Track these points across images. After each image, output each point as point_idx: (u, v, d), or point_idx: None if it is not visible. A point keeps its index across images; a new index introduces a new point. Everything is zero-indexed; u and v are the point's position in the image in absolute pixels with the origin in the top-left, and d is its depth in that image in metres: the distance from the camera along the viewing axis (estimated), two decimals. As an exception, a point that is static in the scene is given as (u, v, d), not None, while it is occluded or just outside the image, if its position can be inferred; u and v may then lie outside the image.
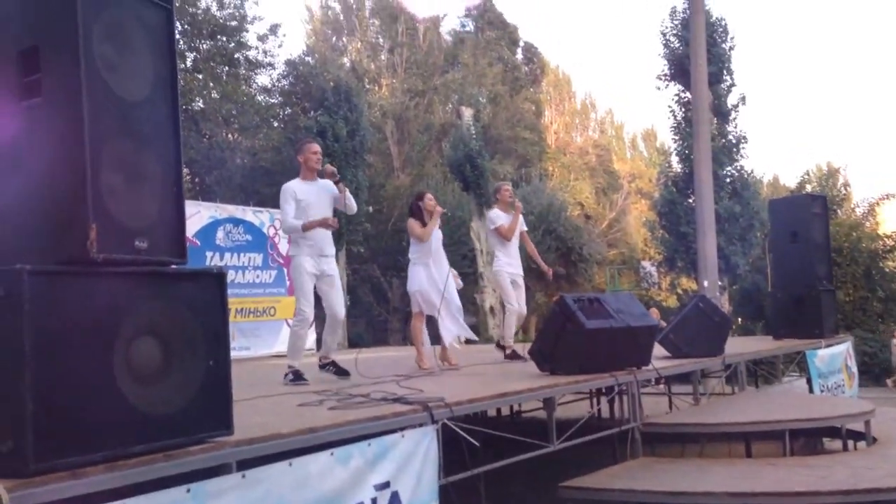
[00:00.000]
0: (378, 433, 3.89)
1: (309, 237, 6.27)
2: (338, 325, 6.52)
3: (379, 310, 23.29)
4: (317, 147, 6.51)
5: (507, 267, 8.19)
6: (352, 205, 6.54)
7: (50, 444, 2.54)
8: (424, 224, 7.41)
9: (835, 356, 9.94)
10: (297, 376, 6.17)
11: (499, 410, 8.79)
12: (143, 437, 2.85)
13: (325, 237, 6.40)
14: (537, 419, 7.25)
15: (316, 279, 6.32)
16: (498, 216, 8.25)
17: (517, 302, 8.11)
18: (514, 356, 7.97)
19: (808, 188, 20.31)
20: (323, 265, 6.34)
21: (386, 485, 3.75)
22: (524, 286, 8.42)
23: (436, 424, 4.22)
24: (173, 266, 3.19)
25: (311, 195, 6.32)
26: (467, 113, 24.34)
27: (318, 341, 7.86)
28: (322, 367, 6.52)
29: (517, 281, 8.23)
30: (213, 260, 11.50)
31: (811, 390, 9.06)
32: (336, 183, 6.41)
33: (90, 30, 2.86)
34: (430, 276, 7.38)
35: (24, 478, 2.47)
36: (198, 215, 11.46)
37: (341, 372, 6.42)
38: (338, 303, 6.38)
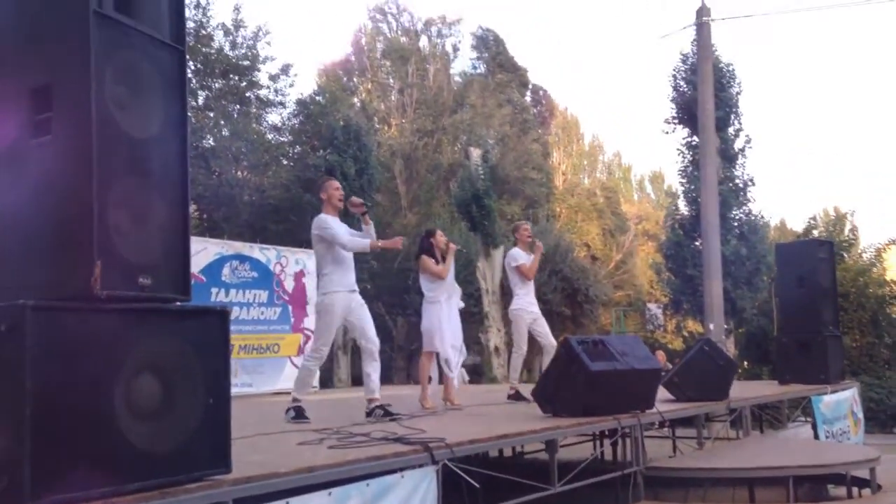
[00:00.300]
0: (378, 473, 3.88)
1: (346, 273, 6.24)
2: (376, 354, 6.28)
3: (383, 347, 23.20)
4: (338, 184, 6.53)
5: (528, 307, 8.23)
6: (373, 237, 6.50)
7: (47, 480, 2.54)
8: (437, 261, 7.46)
9: (840, 402, 9.87)
10: (298, 413, 6.14)
11: (501, 451, 8.73)
12: (141, 475, 2.85)
13: (352, 273, 6.37)
14: (539, 461, 7.20)
15: (347, 315, 6.26)
16: (520, 255, 8.31)
17: (545, 336, 8.14)
18: (517, 397, 7.95)
19: (815, 233, 20.28)
20: (354, 298, 6.29)
21: (384, 525, 3.73)
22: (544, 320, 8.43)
23: (436, 465, 4.21)
24: (177, 303, 3.22)
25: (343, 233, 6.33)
26: (475, 153, 24.48)
27: (322, 378, 7.83)
28: (369, 413, 6.17)
29: (538, 319, 8.25)
30: (218, 296, 11.53)
31: (816, 436, 8.97)
32: (363, 215, 6.42)
33: (103, 71, 2.92)
34: (447, 314, 7.43)
35: (19, 513, 2.47)
36: (204, 251, 11.52)
37: (392, 416, 6.05)
38: (372, 330, 6.30)
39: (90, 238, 2.80)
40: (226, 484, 3.14)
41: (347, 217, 6.79)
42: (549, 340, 8.19)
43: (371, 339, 6.25)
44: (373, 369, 6.25)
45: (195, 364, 3.14)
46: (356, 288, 6.40)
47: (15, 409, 2.51)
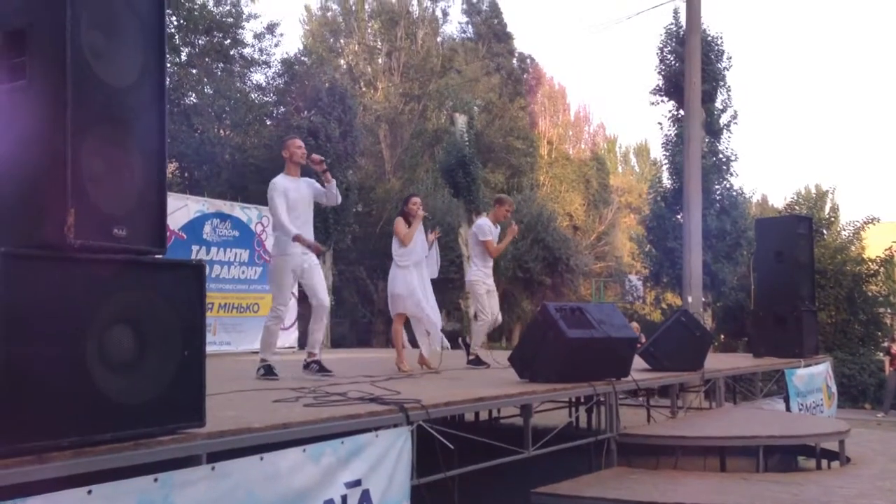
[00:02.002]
0: (352, 432, 3.89)
1: (298, 230, 6.26)
2: (324, 314, 6.51)
3: (363, 311, 23.25)
4: (300, 143, 6.60)
5: (484, 278, 8.24)
6: (336, 195, 6.58)
7: (17, 427, 2.53)
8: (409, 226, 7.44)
9: (814, 376, 10.00)
10: (268, 371, 6.20)
11: (477, 416, 8.81)
12: (113, 425, 2.84)
13: (310, 231, 6.44)
14: (515, 426, 7.26)
15: (300, 274, 6.37)
16: (490, 229, 8.20)
17: (490, 311, 8.17)
18: (477, 362, 8.03)
19: (797, 210, 20.41)
20: (308, 258, 6.39)
21: (357, 483, 3.75)
22: (497, 293, 8.48)
23: (411, 426, 4.22)
24: (153, 255, 3.19)
25: (296, 191, 6.38)
26: (461, 119, 24.36)
27: (301, 339, 7.86)
28: (306, 366, 6.49)
29: (492, 290, 8.31)
30: (199, 254, 11.44)
31: (788, 408, 9.11)
32: (323, 172, 6.43)
33: (79, 15, 2.87)
34: (410, 280, 7.39)
35: (-11, 460, 2.46)
36: (185, 209, 11.42)
37: (325, 371, 6.41)
38: (323, 291, 6.47)
39: (63, 186, 2.76)
40: (200, 437, 3.14)
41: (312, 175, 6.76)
42: (496, 316, 8.29)
43: (321, 300, 6.41)
44: (318, 328, 6.50)
45: (170, 317, 3.11)
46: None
47: (-16, 356, 2.48)
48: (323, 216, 16.07)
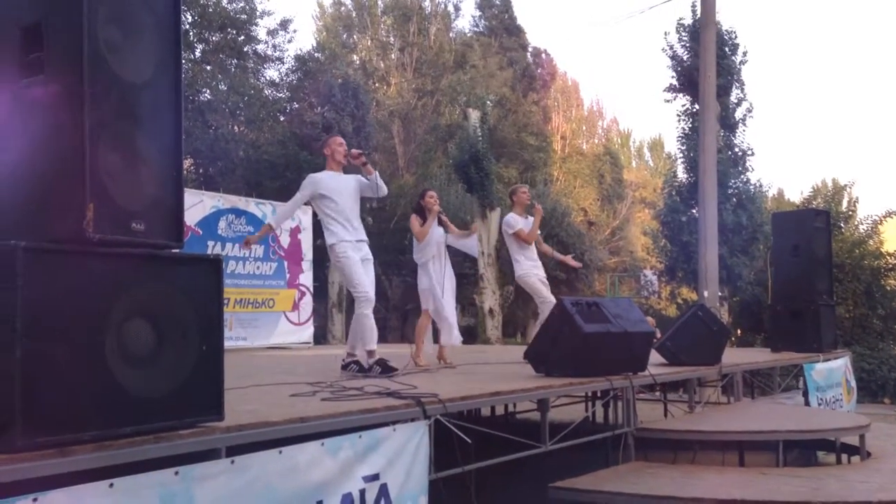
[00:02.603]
0: (370, 426, 3.88)
1: (346, 221, 6.27)
2: (369, 306, 6.31)
3: (378, 306, 23.26)
4: (342, 140, 6.57)
5: (533, 269, 8.17)
6: (381, 186, 6.49)
7: (38, 421, 2.53)
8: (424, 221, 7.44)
9: (833, 370, 9.93)
10: (384, 367, 6.09)
11: (493, 410, 8.80)
12: (133, 419, 2.84)
13: (359, 222, 6.42)
14: (531, 421, 7.26)
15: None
16: (516, 220, 8.18)
17: (552, 298, 8.01)
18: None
19: (815, 204, 20.25)
20: (363, 249, 6.37)
21: (375, 477, 3.75)
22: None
23: (428, 420, 4.22)
24: (170, 250, 3.19)
25: (339, 183, 6.36)
26: (474, 115, 24.32)
27: (317, 334, 7.86)
28: (345, 366, 6.34)
29: (544, 281, 8.22)
30: (214, 249, 11.51)
31: (807, 403, 9.04)
32: (363, 165, 6.41)
33: (95, 10, 2.86)
34: (431, 273, 7.41)
35: (10, 453, 2.47)
36: (200, 204, 11.48)
37: (388, 370, 6.14)
38: (373, 287, 6.38)
39: (82, 181, 2.76)
40: (218, 431, 3.14)
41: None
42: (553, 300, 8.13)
43: (372, 299, 6.34)
44: (359, 323, 6.36)
45: (188, 311, 3.12)
46: (364, 237, 6.48)
47: (6, 350, 2.49)
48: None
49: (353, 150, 6.45)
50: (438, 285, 7.42)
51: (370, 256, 6.49)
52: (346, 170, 6.61)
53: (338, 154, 6.39)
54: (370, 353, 6.25)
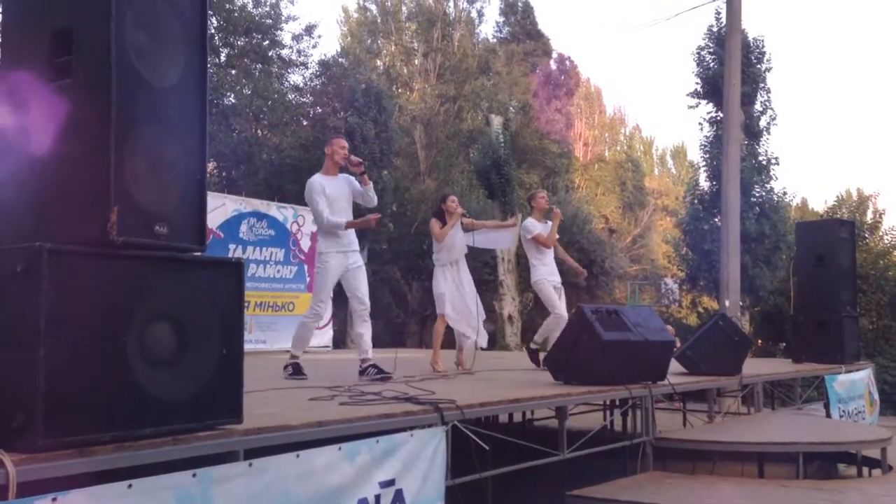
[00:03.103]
0: (387, 431, 3.89)
1: (339, 235, 6.35)
2: (367, 316, 6.40)
3: (397, 311, 23.31)
4: (345, 143, 6.63)
5: (548, 276, 8.16)
6: (373, 197, 6.56)
7: (59, 421, 2.57)
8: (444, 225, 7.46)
9: (856, 382, 9.82)
10: (296, 370, 6.24)
11: (511, 417, 8.79)
12: (153, 420, 2.87)
13: (353, 231, 6.48)
14: (549, 428, 7.23)
15: (343, 273, 6.37)
16: (534, 225, 8.18)
17: (562, 309, 8.05)
18: (533, 357, 8.06)
19: (839, 215, 20.05)
20: (351, 259, 6.41)
21: (391, 482, 3.75)
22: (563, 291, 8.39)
23: (446, 426, 4.22)
24: (193, 253, 3.22)
25: (335, 189, 6.41)
26: (496, 121, 24.35)
27: (336, 338, 7.89)
28: (362, 371, 6.30)
29: (559, 287, 8.22)
30: (235, 252, 11.57)
31: (829, 415, 8.94)
32: (361, 175, 6.45)
33: (123, 15, 2.90)
34: (450, 278, 7.42)
35: (32, 453, 2.50)
36: (222, 208, 11.56)
37: (383, 373, 6.18)
38: (365, 293, 6.43)
39: (107, 184, 2.80)
40: (237, 434, 3.16)
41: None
42: (565, 314, 8.13)
43: (362, 301, 6.36)
44: (364, 329, 6.38)
45: (209, 314, 3.14)
46: (356, 246, 6.54)
47: (29, 350, 2.53)
48: (359, 214, 16.14)
49: (354, 158, 6.48)
50: (458, 289, 7.43)
51: (360, 263, 6.52)
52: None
53: (337, 155, 6.43)
54: (291, 357, 6.41)
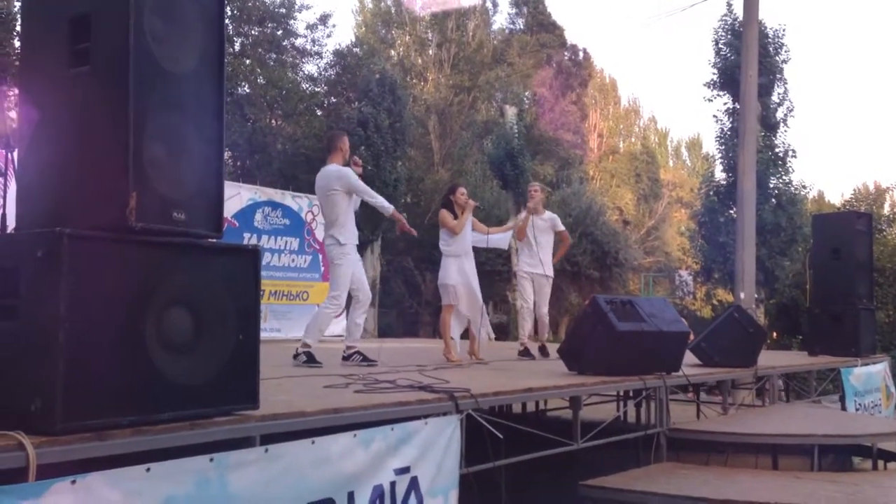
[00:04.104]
0: (402, 418, 3.90)
1: (353, 227, 6.55)
2: (367, 305, 6.69)
3: (410, 302, 23.34)
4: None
5: (524, 266, 8.50)
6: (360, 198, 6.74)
7: (78, 404, 2.58)
8: (456, 217, 7.45)
9: (872, 375, 9.77)
10: (310, 358, 6.24)
11: (524, 407, 8.79)
12: (171, 405, 2.89)
13: (353, 220, 6.65)
14: (562, 419, 7.23)
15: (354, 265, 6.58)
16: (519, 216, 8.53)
17: (527, 300, 8.37)
18: (525, 353, 8.08)
19: (855, 207, 19.89)
20: (357, 253, 6.66)
21: (406, 470, 3.76)
22: (547, 287, 8.45)
23: (460, 414, 4.22)
24: (209, 239, 3.23)
25: None
26: (511, 111, 24.28)
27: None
28: (347, 357, 6.53)
29: (528, 277, 8.42)
30: (250, 241, 11.61)
31: (844, 408, 8.90)
32: (359, 176, 6.67)
33: (141, 2, 2.90)
34: (463, 269, 7.41)
35: (50, 436, 2.52)
36: (237, 196, 11.60)
37: (368, 360, 6.47)
38: (367, 283, 6.69)
39: (126, 170, 2.81)
40: (253, 420, 3.18)
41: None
42: (540, 310, 8.44)
43: (366, 292, 6.60)
44: (362, 319, 6.69)
45: (226, 301, 3.15)
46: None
47: (49, 334, 2.54)
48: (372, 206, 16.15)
49: (357, 158, 6.82)
50: (470, 280, 7.44)
51: (359, 256, 6.82)
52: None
53: (348, 153, 6.68)
54: (304, 345, 6.43)
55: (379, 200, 6.61)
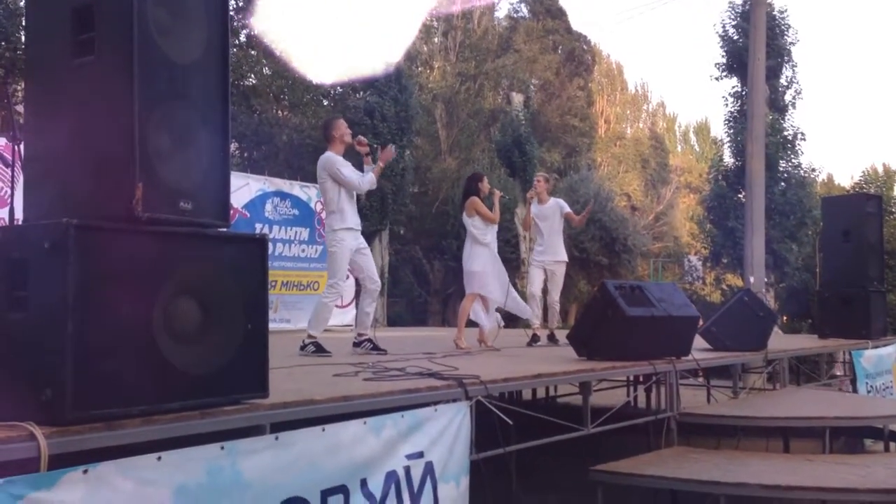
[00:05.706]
0: (412, 406, 3.90)
1: (351, 214, 6.43)
2: (376, 294, 6.66)
3: (419, 291, 23.34)
4: (346, 124, 6.73)
5: (537, 255, 8.64)
6: (371, 180, 6.58)
7: (88, 394, 2.60)
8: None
9: (883, 357, 9.73)
10: (318, 348, 6.25)
11: (534, 394, 8.80)
12: (180, 394, 2.90)
13: (355, 209, 6.57)
14: (572, 405, 7.23)
15: (353, 254, 6.46)
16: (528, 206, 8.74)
17: (536, 289, 8.54)
18: (534, 340, 8.14)
19: (865, 189, 19.79)
20: (360, 239, 6.56)
21: (420, 454, 3.77)
22: (560, 275, 8.50)
23: (470, 401, 4.23)
24: (216, 229, 3.23)
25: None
26: (517, 99, 24.21)
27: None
28: (358, 343, 6.57)
29: (548, 268, 8.45)
30: (262, 231, 11.62)
31: (855, 390, 8.88)
32: (365, 155, 6.61)
33: (145, -9, 2.90)
34: (495, 257, 7.50)
35: (61, 426, 2.53)
36: (246, 187, 11.59)
37: (378, 350, 6.47)
38: (375, 271, 6.65)
39: (132, 160, 2.81)
40: (263, 408, 3.19)
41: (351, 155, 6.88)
42: (551, 297, 8.67)
43: (375, 280, 6.58)
44: (372, 308, 6.66)
45: (234, 290, 3.16)
46: (360, 227, 6.63)
47: (58, 324, 2.55)
48: (381, 195, 16.16)
49: (362, 138, 6.67)
50: (499, 266, 7.54)
51: (367, 245, 6.73)
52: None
53: (347, 136, 6.52)
54: (309, 336, 6.43)
55: (361, 185, 6.43)
